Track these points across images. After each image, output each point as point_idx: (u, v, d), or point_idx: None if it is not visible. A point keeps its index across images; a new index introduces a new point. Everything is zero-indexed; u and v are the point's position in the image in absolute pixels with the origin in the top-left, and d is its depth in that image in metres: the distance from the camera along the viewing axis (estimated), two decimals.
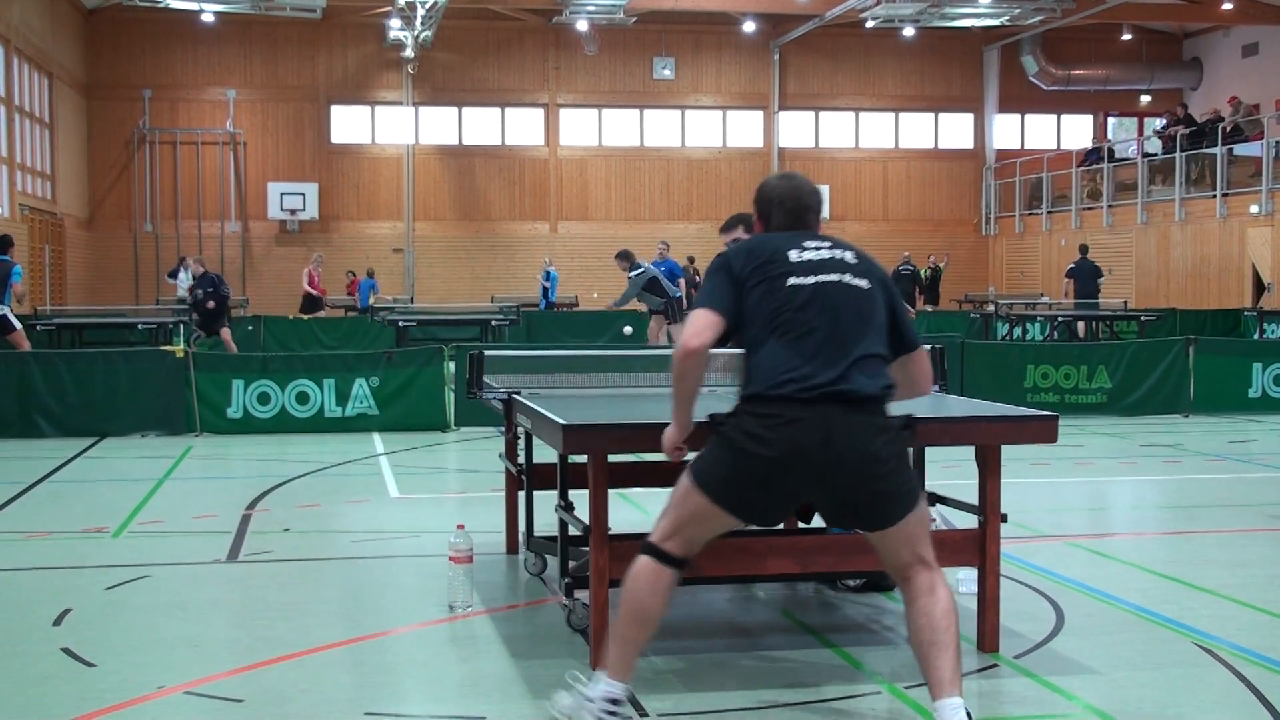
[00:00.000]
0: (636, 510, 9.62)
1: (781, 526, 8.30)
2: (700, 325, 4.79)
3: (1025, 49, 38.74)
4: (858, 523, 4.93)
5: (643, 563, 4.92)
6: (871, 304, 4.89)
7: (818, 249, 4.94)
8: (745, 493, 4.80)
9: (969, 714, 4.66)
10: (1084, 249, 28.62)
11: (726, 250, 5.09)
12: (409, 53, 36.02)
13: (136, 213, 36.41)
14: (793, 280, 4.83)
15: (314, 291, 30.75)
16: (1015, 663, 5.88)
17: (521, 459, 7.64)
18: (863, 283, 4.91)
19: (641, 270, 21.57)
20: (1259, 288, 28.55)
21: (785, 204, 5.13)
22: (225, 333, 22.35)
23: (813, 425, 4.65)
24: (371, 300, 31.29)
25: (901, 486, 4.83)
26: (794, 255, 4.89)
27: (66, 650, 6.10)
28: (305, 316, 29.14)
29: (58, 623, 6.61)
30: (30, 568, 8.02)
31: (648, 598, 4.89)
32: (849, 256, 4.97)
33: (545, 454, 6.80)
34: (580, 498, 6.07)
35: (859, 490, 4.77)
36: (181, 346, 16.59)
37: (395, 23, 34.53)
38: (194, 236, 36.37)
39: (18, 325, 18.01)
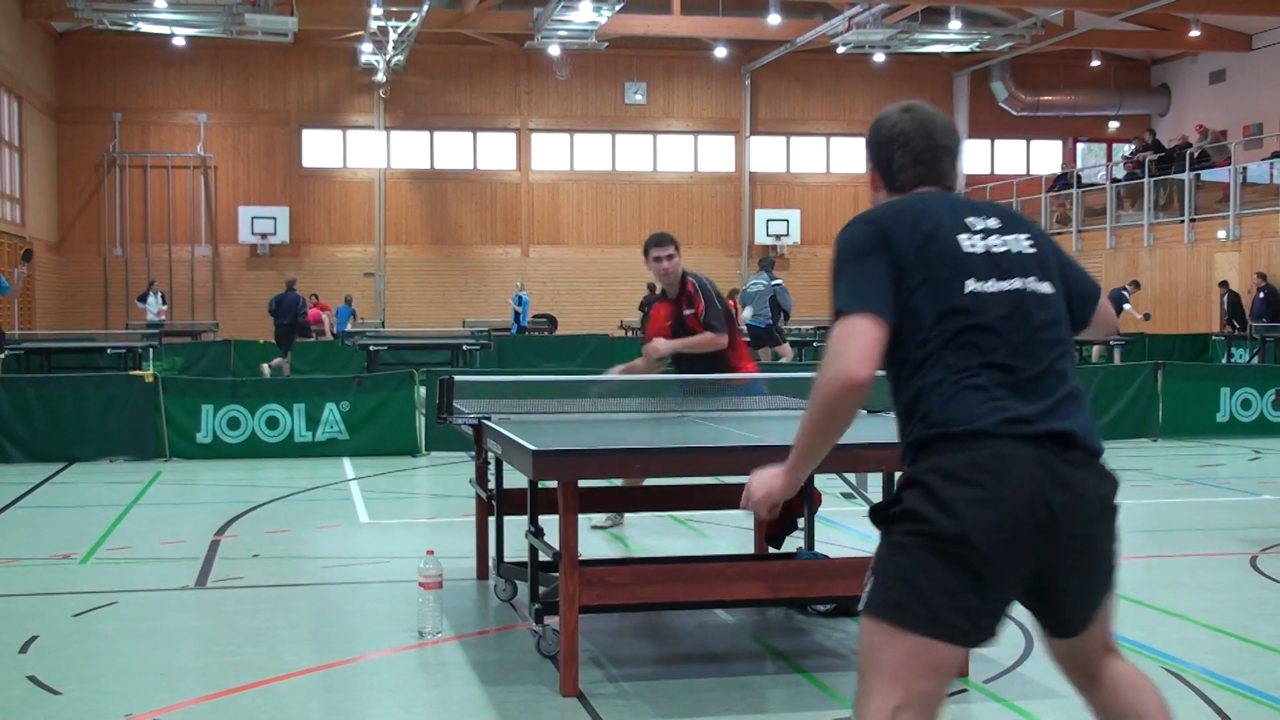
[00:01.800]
0: (605, 535, 9.62)
1: (753, 550, 8.34)
2: (867, 344, 3.34)
3: (995, 75, 38.99)
4: (1064, 605, 3.51)
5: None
6: (1060, 312, 3.57)
7: (987, 234, 3.54)
8: (961, 597, 3.25)
9: None
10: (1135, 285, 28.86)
11: (873, 213, 3.55)
12: (380, 77, 36.02)
13: (106, 237, 36.27)
14: (973, 285, 3.44)
15: (312, 323, 30.81)
16: (984, 687, 5.89)
17: (492, 484, 7.63)
18: (1046, 287, 3.56)
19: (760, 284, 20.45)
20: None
21: (913, 146, 3.65)
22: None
23: (1031, 465, 3.27)
24: (349, 326, 31.23)
25: (1114, 549, 3.51)
26: (966, 242, 3.49)
27: (32, 678, 6.05)
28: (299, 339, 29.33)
29: (24, 650, 6.55)
30: None
31: None
32: (1025, 243, 3.58)
33: (516, 479, 6.79)
34: (550, 523, 6.06)
35: (1084, 552, 3.38)
36: (151, 371, 16.50)
37: (367, 47, 34.55)
38: (164, 261, 36.27)
39: None
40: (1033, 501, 3.25)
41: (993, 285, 3.45)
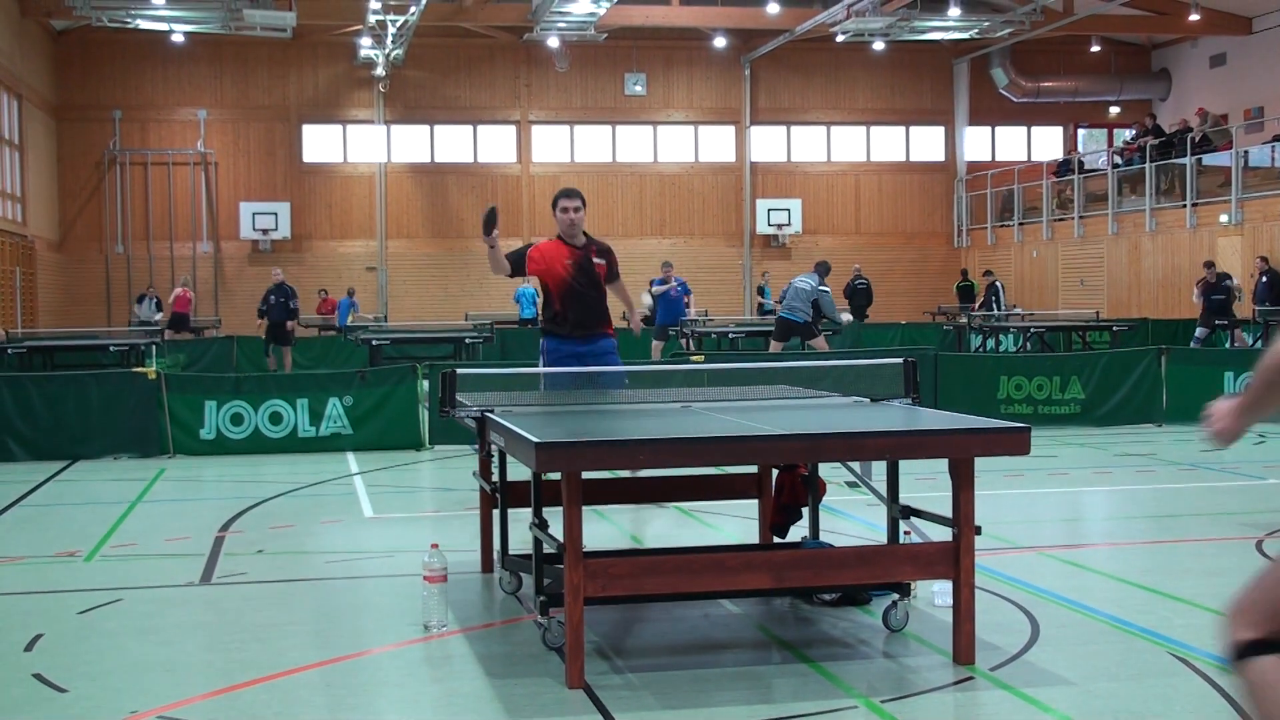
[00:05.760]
0: (611, 526, 9.62)
1: (757, 540, 8.33)
2: None
3: (995, 61, 38.90)
4: None
5: (1270, 664, 3.51)
6: None
7: None
8: None
9: None
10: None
11: None
12: (380, 71, 36.00)
13: (108, 234, 36.25)
14: None
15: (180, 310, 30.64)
16: (991, 675, 5.88)
17: (496, 477, 7.62)
18: None
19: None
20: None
21: None
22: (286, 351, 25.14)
23: None
24: (350, 319, 31.19)
25: None
26: None
27: (38, 676, 6.05)
28: (176, 336, 28.90)
29: (29, 648, 6.55)
30: (1, 593, 7.96)
31: None
32: None
33: (520, 472, 6.78)
34: (555, 515, 6.05)
35: None
36: (154, 368, 16.49)
37: (366, 41, 34.51)
38: (166, 258, 36.25)
39: None
40: None
41: None
